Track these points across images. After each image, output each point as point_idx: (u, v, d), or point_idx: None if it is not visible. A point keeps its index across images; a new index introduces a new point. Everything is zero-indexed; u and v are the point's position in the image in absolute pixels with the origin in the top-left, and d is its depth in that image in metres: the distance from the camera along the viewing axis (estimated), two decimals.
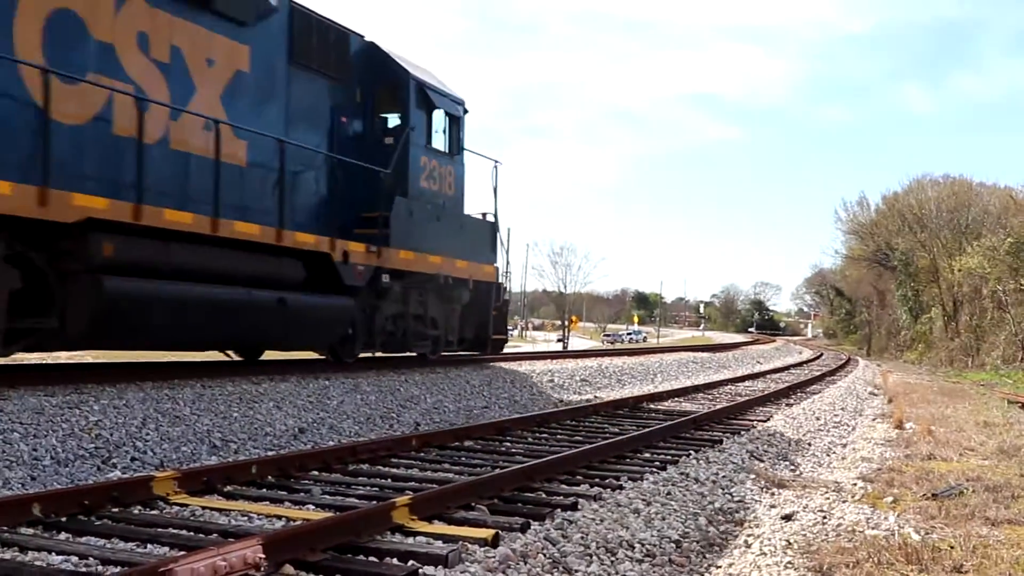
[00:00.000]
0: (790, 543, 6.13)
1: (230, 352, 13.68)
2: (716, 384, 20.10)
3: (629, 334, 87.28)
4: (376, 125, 15.13)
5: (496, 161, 17.46)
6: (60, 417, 7.93)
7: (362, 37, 14.70)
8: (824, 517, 7.00)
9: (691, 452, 9.38)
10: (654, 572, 5.34)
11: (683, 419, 11.77)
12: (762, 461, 9.39)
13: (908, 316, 53.27)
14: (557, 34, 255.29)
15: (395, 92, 14.98)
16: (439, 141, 15.86)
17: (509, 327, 17.63)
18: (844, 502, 7.64)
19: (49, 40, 9.42)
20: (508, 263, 18.85)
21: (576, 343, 67.47)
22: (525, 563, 5.00)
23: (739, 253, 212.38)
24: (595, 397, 16.47)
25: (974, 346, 40.68)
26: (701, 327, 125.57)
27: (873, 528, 6.61)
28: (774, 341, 66.53)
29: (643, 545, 5.69)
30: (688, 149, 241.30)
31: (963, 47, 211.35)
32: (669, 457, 9.04)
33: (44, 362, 11.56)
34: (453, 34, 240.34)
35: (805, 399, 17.17)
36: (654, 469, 8.23)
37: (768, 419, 12.89)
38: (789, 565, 5.59)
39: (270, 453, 8.68)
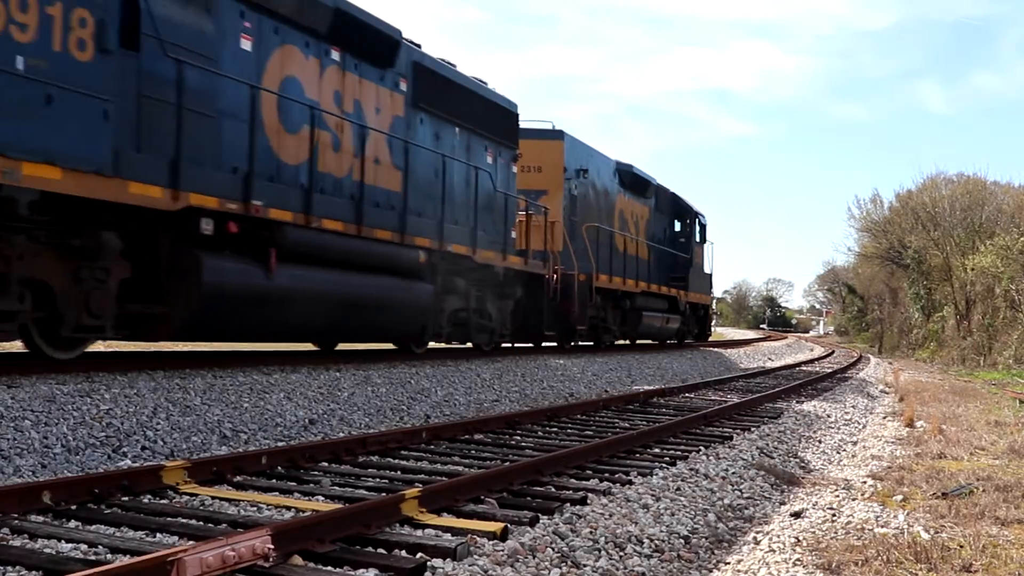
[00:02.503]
0: (799, 540, 6.12)
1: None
2: (727, 380, 20.09)
3: None
4: (674, 229, 30.51)
5: (712, 242, 34.13)
6: (71, 405, 7.96)
7: (670, 189, 29.91)
8: (833, 515, 6.99)
9: (701, 448, 9.38)
10: (663, 567, 5.34)
11: (693, 415, 11.77)
12: (772, 458, 9.37)
13: (920, 314, 53.02)
14: (573, 28, 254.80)
15: (683, 215, 30.87)
16: (698, 236, 31.37)
17: None
18: (853, 500, 7.63)
19: (619, 226, 24.39)
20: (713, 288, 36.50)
21: None
22: (534, 557, 5.00)
23: (751, 249, 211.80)
24: (605, 392, 16.47)
25: (986, 345, 40.48)
26: (712, 323, 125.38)
27: (882, 526, 6.60)
28: (785, 338, 66.36)
29: (652, 540, 5.69)
30: (702, 144, 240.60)
31: (982, 45, 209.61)
32: (679, 453, 9.04)
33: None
34: (470, 25, 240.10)
35: (816, 396, 17.14)
36: (664, 464, 8.23)
37: (778, 416, 12.87)
38: (798, 562, 5.58)
39: (280, 444, 8.70)
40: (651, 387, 17.30)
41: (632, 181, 25.45)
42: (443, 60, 15.26)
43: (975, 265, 42.72)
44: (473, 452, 8.69)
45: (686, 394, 16.18)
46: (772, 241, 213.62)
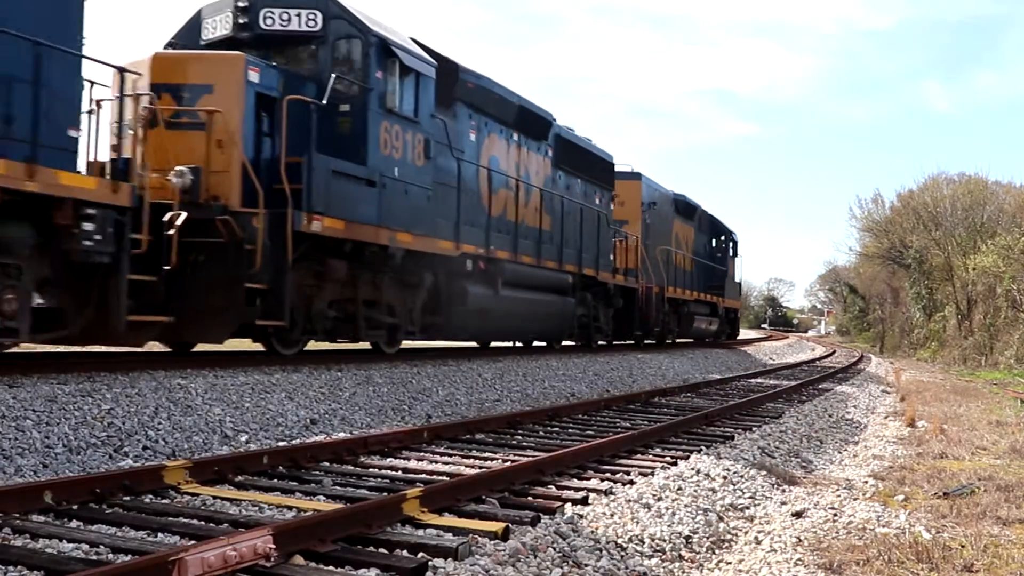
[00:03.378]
0: (800, 540, 6.12)
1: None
2: (728, 380, 20.08)
3: None
4: (712, 245, 35.59)
5: (742, 255, 41.01)
6: (73, 405, 7.96)
7: (708, 211, 34.79)
8: (835, 514, 6.99)
9: (702, 448, 9.37)
10: (664, 567, 5.34)
11: (694, 415, 11.76)
12: (773, 457, 9.37)
13: (921, 314, 53.02)
14: (577, 28, 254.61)
15: (719, 233, 36.49)
16: (731, 251, 37.67)
17: None
18: (855, 500, 7.63)
19: (675, 245, 29.70)
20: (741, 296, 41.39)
21: None
22: (535, 557, 5.00)
23: (753, 249, 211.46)
24: (607, 392, 16.47)
25: (987, 345, 40.47)
26: None
27: (884, 526, 6.60)
28: (787, 338, 66.40)
29: (653, 540, 5.69)
30: (705, 144, 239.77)
31: (986, 44, 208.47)
32: (680, 452, 9.03)
33: (57, 350, 11.61)
34: (474, 25, 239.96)
35: (817, 396, 17.14)
36: (665, 464, 8.22)
37: (780, 415, 12.86)
38: (799, 562, 5.58)
39: (281, 444, 8.69)
40: (652, 387, 17.31)
41: (684, 208, 31.18)
42: (568, 127, 20.49)
43: (976, 265, 42.71)
44: (474, 452, 8.69)
45: (687, 394, 16.18)
46: (774, 241, 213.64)
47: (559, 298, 19.29)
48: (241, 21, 12.67)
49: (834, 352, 46.72)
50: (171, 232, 10.06)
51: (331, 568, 4.63)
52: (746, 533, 6.42)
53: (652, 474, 7.65)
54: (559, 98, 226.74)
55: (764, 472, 8.43)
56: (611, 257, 22.53)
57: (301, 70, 12.60)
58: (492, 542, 5.15)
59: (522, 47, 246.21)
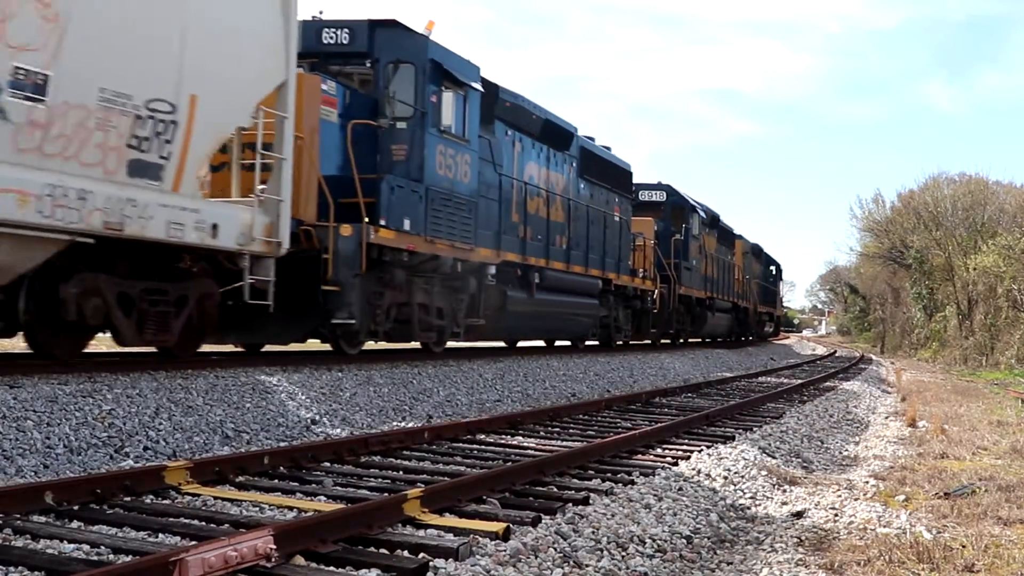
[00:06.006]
0: (801, 540, 6.12)
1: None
2: (729, 380, 20.08)
3: None
4: (765, 271, 48.89)
5: (782, 278, 57.72)
6: (74, 406, 7.95)
7: (765, 250, 49.62)
8: (836, 515, 6.98)
9: (703, 448, 9.37)
10: (665, 567, 5.34)
11: (695, 415, 11.76)
12: (774, 458, 9.37)
13: (922, 314, 53.03)
14: (579, 27, 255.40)
15: (770, 263, 51.21)
16: (779, 276, 55.14)
17: None
18: (856, 500, 7.62)
19: (752, 276, 44.99)
20: (783, 303, 61.60)
21: None
22: (536, 557, 5.00)
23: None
24: (607, 392, 16.47)
25: (988, 345, 40.48)
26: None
27: (885, 526, 6.59)
28: (788, 338, 66.35)
29: (654, 540, 5.68)
30: (707, 144, 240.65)
31: (991, 44, 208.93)
32: (680, 452, 9.03)
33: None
34: (475, 24, 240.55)
35: (818, 396, 17.13)
36: (666, 464, 8.22)
37: (781, 416, 12.86)
38: (800, 563, 5.58)
39: (282, 444, 8.70)
40: (653, 387, 17.32)
41: (756, 251, 45.12)
42: (728, 225, 36.84)
43: (977, 265, 42.73)
44: (475, 452, 8.69)
45: (688, 394, 16.19)
46: (774, 240, 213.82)
47: (731, 316, 36.44)
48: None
49: (835, 352, 46.77)
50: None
51: (332, 568, 4.63)
52: (747, 533, 6.42)
53: (653, 474, 7.65)
54: (561, 97, 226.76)
55: (765, 472, 8.43)
56: (734, 289, 37.06)
57: (659, 220, 27.20)
58: (493, 542, 5.15)
59: (526, 46, 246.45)
